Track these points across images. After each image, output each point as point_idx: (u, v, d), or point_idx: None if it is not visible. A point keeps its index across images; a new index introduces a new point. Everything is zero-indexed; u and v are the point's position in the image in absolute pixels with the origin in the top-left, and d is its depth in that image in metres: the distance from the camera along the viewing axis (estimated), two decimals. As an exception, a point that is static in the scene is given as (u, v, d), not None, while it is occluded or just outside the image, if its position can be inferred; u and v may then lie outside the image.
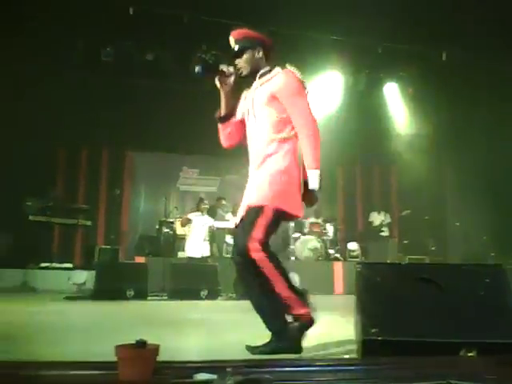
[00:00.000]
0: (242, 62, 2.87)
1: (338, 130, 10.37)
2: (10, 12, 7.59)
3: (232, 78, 2.88)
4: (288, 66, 2.89)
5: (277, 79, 2.83)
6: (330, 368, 2.46)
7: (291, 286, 2.69)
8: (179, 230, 8.93)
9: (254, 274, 2.66)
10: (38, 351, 2.86)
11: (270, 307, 2.72)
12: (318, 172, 2.71)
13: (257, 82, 2.91)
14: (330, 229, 10.01)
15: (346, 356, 2.94)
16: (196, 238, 8.09)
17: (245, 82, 2.98)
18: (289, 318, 2.73)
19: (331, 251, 9.69)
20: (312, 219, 9.89)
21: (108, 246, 8.59)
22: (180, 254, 8.66)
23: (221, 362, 2.29)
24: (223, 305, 6.62)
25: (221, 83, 2.88)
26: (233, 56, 2.90)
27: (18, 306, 5.69)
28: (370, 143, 10.70)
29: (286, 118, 2.80)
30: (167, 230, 8.88)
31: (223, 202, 9.51)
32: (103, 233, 9.68)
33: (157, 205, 10.53)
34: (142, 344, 1.88)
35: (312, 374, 2.38)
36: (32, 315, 4.86)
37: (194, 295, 6.76)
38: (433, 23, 8.01)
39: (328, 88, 10.48)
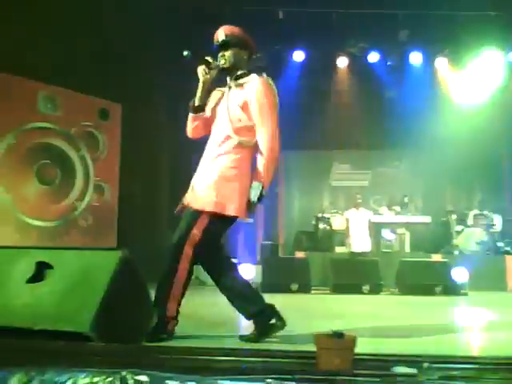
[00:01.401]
0: (227, 55, 2.93)
1: (502, 112, 9.56)
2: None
3: (214, 72, 2.95)
4: (264, 75, 2.93)
5: (253, 86, 2.89)
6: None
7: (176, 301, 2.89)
8: (336, 225, 9.02)
9: (171, 266, 2.80)
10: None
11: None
12: (260, 185, 2.81)
13: (232, 82, 2.97)
14: (497, 220, 9.26)
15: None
16: (355, 233, 8.11)
17: (218, 81, 3.03)
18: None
19: (500, 244, 8.96)
20: (476, 211, 9.28)
21: (269, 242, 9.01)
22: (338, 249, 8.75)
23: (414, 356, 2.29)
24: (385, 299, 6.51)
25: (203, 73, 2.93)
26: (219, 46, 2.95)
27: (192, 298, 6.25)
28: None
29: (251, 126, 2.88)
30: (324, 226, 9.01)
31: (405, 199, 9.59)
32: (263, 229, 10.15)
33: (311, 201, 10.74)
34: (340, 334, 1.96)
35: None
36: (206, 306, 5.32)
37: (357, 289, 6.76)
38: None
39: (487, 68, 9.73)
